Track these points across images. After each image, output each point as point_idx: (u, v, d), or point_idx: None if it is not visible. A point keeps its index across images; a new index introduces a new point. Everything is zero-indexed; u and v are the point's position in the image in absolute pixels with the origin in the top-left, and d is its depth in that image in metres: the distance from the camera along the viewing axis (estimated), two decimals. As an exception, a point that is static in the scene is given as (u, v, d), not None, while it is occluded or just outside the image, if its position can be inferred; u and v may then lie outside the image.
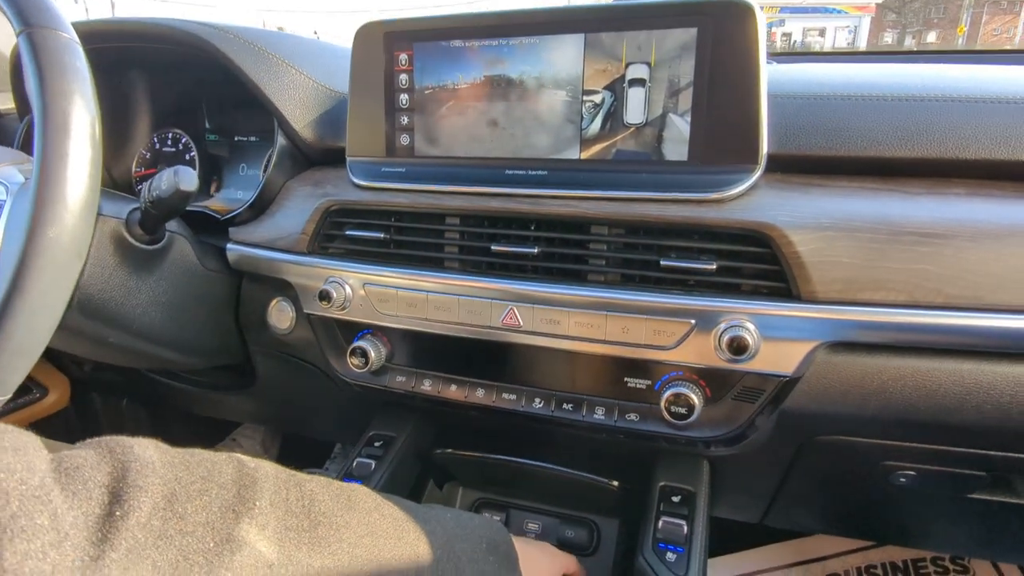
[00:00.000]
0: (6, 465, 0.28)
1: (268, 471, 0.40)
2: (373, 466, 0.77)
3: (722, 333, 0.60)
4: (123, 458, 0.33)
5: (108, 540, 0.29)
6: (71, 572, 0.27)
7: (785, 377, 0.60)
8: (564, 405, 0.68)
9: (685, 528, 0.66)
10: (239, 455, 0.41)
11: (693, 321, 0.62)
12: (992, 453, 0.61)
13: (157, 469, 0.34)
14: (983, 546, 0.85)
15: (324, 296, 0.75)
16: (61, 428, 1.30)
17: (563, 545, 0.84)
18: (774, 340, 0.60)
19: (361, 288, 0.75)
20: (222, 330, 0.89)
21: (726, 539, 1.28)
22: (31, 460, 0.29)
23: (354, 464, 0.78)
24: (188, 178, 0.65)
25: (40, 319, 0.53)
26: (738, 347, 0.59)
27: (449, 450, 0.82)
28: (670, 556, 0.63)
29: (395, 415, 0.85)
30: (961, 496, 0.69)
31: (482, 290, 0.69)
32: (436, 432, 0.87)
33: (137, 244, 0.74)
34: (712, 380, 0.63)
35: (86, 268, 0.70)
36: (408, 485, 0.83)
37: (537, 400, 0.69)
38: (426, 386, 0.74)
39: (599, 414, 0.67)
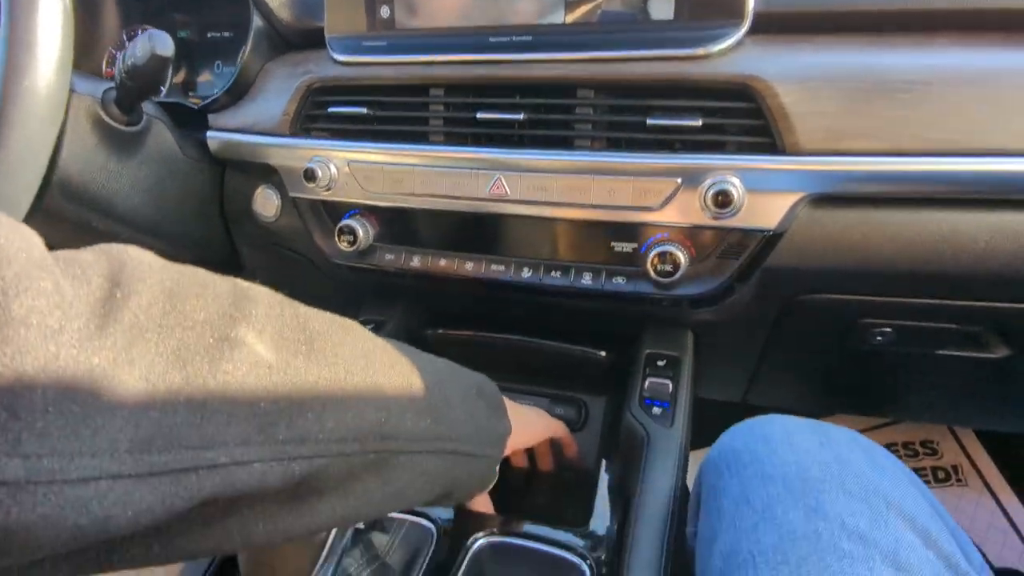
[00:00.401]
0: (5, 235, 0.27)
1: (262, 290, 0.40)
2: (366, 346, 0.78)
3: (707, 189, 0.61)
4: (120, 256, 0.33)
5: (111, 315, 0.29)
6: (78, 333, 0.27)
7: (768, 232, 0.62)
8: (552, 272, 0.69)
9: (670, 386, 0.68)
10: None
11: (679, 180, 0.62)
12: (965, 303, 0.64)
13: (155, 268, 0.34)
14: (951, 410, 0.90)
15: (309, 175, 0.74)
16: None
17: (553, 421, 0.88)
18: (758, 193, 0.61)
19: (346, 167, 0.74)
20: (207, 222, 0.88)
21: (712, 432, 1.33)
22: (29, 238, 0.29)
23: (347, 345, 0.79)
24: (163, 41, 0.63)
25: (21, 173, 0.52)
26: (723, 201, 0.60)
27: (440, 330, 0.83)
28: (656, 410, 0.66)
29: (385, 300, 0.86)
30: (933, 354, 0.72)
31: (468, 161, 0.69)
32: (427, 315, 0.88)
33: (115, 125, 0.73)
34: (697, 240, 0.64)
35: (64, 147, 0.69)
36: (401, 367, 0.84)
37: (526, 269, 0.70)
38: (415, 262, 0.74)
39: (586, 279, 0.68)
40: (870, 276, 0.63)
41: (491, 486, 0.65)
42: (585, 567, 0.60)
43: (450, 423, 0.49)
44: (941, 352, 0.71)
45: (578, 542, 0.62)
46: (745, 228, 0.62)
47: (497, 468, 0.61)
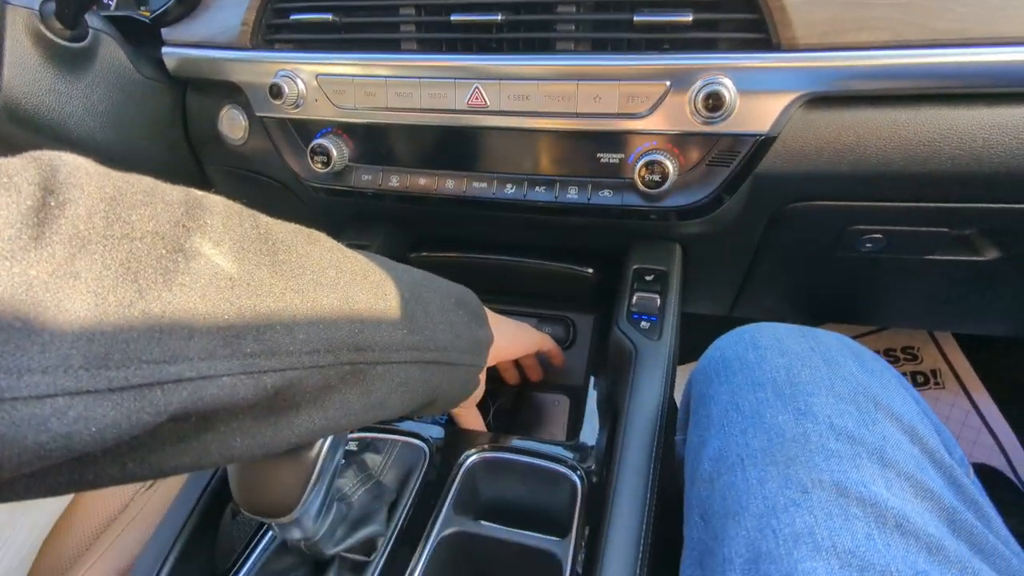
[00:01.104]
0: None
1: (217, 199, 0.37)
2: (348, 271, 0.76)
3: (697, 92, 0.58)
4: (52, 162, 0.30)
5: (46, 224, 0.27)
6: (8, 244, 0.25)
7: (760, 136, 0.59)
8: (536, 188, 0.67)
9: (658, 300, 0.67)
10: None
11: (668, 82, 0.59)
12: (958, 206, 0.62)
13: (92, 175, 0.30)
14: (938, 315, 0.91)
15: (275, 92, 0.69)
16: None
17: (542, 340, 0.88)
18: (751, 95, 0.58)
19: (314, 81, 0.70)
20: (171, 147, 0.84)
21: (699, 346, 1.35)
22: None
23: (328, 270, 0.77)
24: (98, -60, 0.56)
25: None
26: (714, 104, 0.57)
27: (424, 253, 0.81)
28: (644, 324, 0.65)
29: (366, 226, 0.84)
30: (921, 259, 0.71)
31: (444, 69, 0.65)
32: (410, 239, 0.86)
33: (58, 40, 0.67)
34: (686, 147, 0.62)
35: (4, 67, 0.64)
36: (385, 291, 0.83)
37: (509, 185, 0.67)
38: (393, 182, 0.71)
39: (572, 193, 0.66)
40: (863, 180, 0.61)
41: (477, 395, 0.65)
42: (575, 477, 0.61)
43: (428, 332, 0.48)
44: (930, 257, 0.70)
45: (568, 455, 0.62)
46: (736, 133, 0.59)
47: (482, 377, 0.61)
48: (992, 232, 0.67)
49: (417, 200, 0.72)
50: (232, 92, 0.76)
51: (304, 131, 0.74)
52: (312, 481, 0.44)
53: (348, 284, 0.41)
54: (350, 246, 0.80)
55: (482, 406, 0.79)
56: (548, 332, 0.87)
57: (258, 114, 0.74)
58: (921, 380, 1.25)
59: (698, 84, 0.58)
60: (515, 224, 0.76)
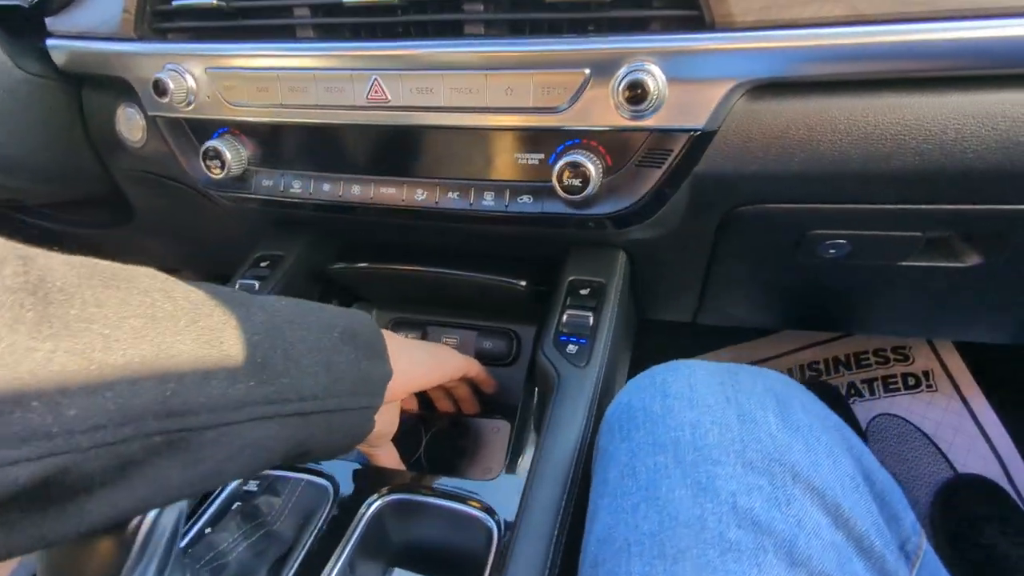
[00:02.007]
0: None
1: None
2: (257, 287, 0.69)
3: (620, 80, 0.49)
4: None
5: None
6: None
7: (696, 131, 0.51)
8: (450, 193, 0.59)
9: (591, 319, 0.60)
10: None
11: (588, 70, 0.51)
12: (930, 207, 0.54)
13: None
14: (921, 324, 0.82)
15: (159, 88, 0.62)
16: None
17: (482, 356, 0.80)
18: (683, 83, 0.49)
19: (204, 75, 0.62)
20: (72, 151, 0.76)
21: (672, 350, 1.27)
22: None
23: (236, 286, 0.70)
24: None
25: None
26: (638, 95, 0.49)
27: (342, 264, 0.74)
28: (571, 348, 0.57)
29: (285, 234, 0.76)
30: (894, 265, 0.63)
31: (341, 59, 0.57)
32: (335, 249, 0.78)
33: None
34: (613, 145, 0.53)
35: None
36: (306, 306, 0.75)
37: (419, 191, 0.59)
38: (295, 188, 0.63)
39: (488, 199, 0.58)
40: (819, 180, 0.53)
41: (389, 431, 0.58)
42: (491, 523, 0.54)
43: (289, 380, 0.41)
44: (905, 264, 0.62)
45: (486, 497, 0.55)
46: (666, 128, 0.51)
47: (388, 415, 0.54)
48: (971, 236, 0.58)
49: (325, 208, 0.64)
50: (127, 89, 0.69)
51: (201, 131, 0.66)
52: (131, 561, 0.37)
53: (163, 335, 0.34)
54: (264, 258, 0.74)
55: (413, 437, 0.72)
56: (488, 347, 0.80)
57: (150, 113, 0.67)
58: (912, 383, 1.17)
59: (621, 72, 0.50)
60: (448, 231, 0.68)
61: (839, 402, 1.13)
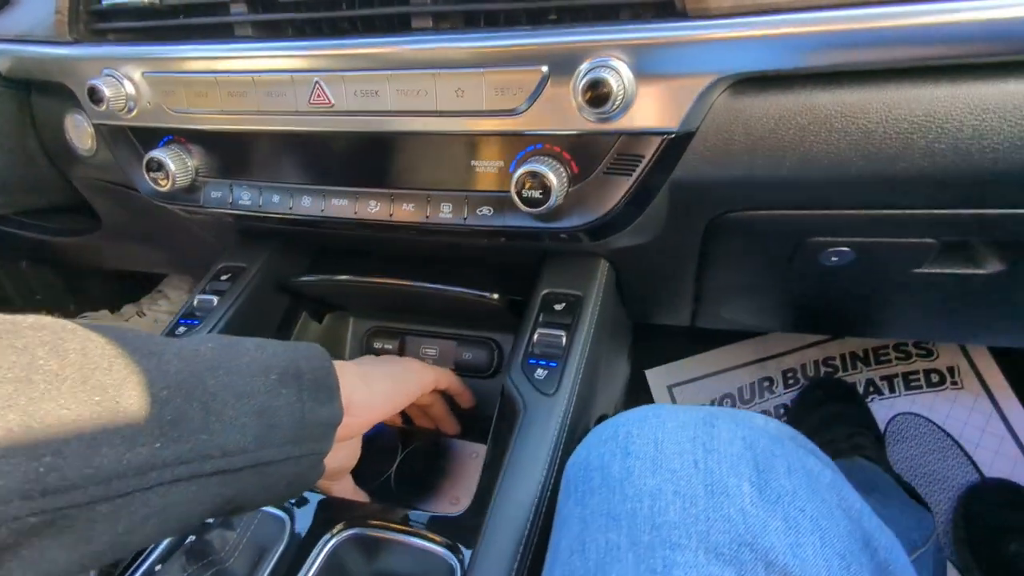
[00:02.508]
0: None
1: None
2: (215, 302, 0.65)
3: (581, 79, 0.43)
4: None
5: None
6: None
7: (670, 133, 0.45)
8: (404, 204, 0.53)
9: (564, 339, 0.54)
10: None
11: (545, 68, 0.45)
12: (944, 212, 0.47)
13: None
14: (943, 329, 0.75)
15: (95, 96, 0.57)
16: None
17: (462, 368, 0.75)
18: (654, 80, 0.43)
19: (143, 80, 0.57)
20: (27, 159, 0.73)
21: (679, 345, 1.21)
22: None
23: (195, 302, 0.66)
24: None
25: None
26: (600, 96, 0.43)
27: (308, 277, 0.69)
28: (539, 372, 0.52)
29: (250, 242, 0.72)
30: (906, 272, 0.56)
31: (281, 60, 0.51)
32: (302, 258, 0.74)
33: None
34: (579, 150, 0.47)
35: None
36: (272, 320, 0.71)
37: (372, 203, 0.54)
38: (244, 200, 0.59)
39: (446, 211, 0.52)
40: (815, 184, 0.46)
41: (349, 464, 0.54)
42: (455, 562, 0.50)
43: (209, 436, 0.37)
44: (918, 271, 0.55)
45: (452, 533, 0.51)
46: (635, 131, 0.45)
47: (324, 462, 0.49)
48: (992, 242, 0.51)
49: (277, 221, 0.60)
50: (72, 95, 0.64)
51: (147, 140, 0.61)
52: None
53: (38, 400, 0.30)
54: (227, 270, 0.70)
55: (388, 453, 0.68)
56: (469, 357, 0.76)
57: (94, 122, 0.63)
58: (936, 379, 1.09)
59: (582, 69, 0.44)
60: (411, 242, 0.63)
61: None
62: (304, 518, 0.55)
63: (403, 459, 0.67)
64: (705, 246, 0.58)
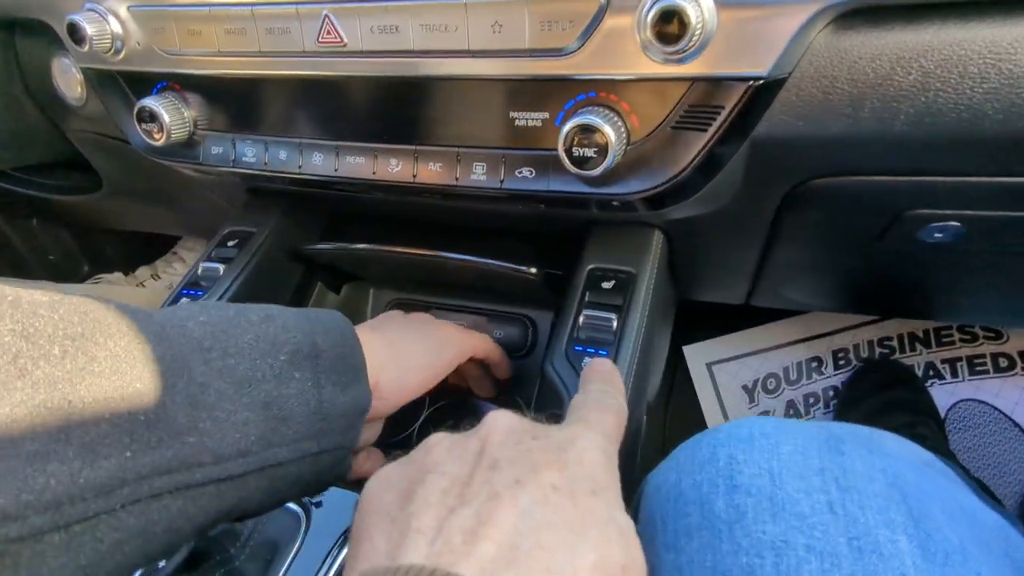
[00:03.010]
0: None
1: None
2: (222, 270, 0.59)
3: (649, 8, 0.35)
4: None
5: None
6: None
7: (758, 80, 0.36)
8: (430, 165, 0.46)
9: (615, 322, 0.47)
10: None
11: (604, -5, 0.36)
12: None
13: None
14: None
15: (76, 34, 0.50)
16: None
17: (492, 348, 0.69)
18: (740, 11, 0.34)
19: (129, 16, 0.50)
20: (15, 108, 0.66)
21: (719, 319, 1.13)
22: None
23: (199, 270, 0.59)
24: None
25: None
26: (671, 31, 0.34)
27: (322, 245, 0.62)
28: (587, 361, 0.45)
29: (259, 206, 0.65)
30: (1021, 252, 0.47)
31: (283, -10, 0.43)
32: (316, 223, 0.67)
33: None
34: (641, 101, 0.39)
35: None
36: (284, 291, 0.65)
37: (393, 162, 0.47)
38: (248, 157, 0.52)
39: (479, 172, 0.45)
40: (934, 144, 0.37)
41: (372, 437, 0.48)
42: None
43: (197, 439, 0.30)
44: (1035, 251, 0.46)
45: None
46: (715, 76, 0.36)
47: (349, 458, 0.43)
48: None
49: (286, 181, 0.52)
50: (58, 36, 0.57)
51: (138, 87, 0.54)
52: None
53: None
54: (234, 235, 0.63)
55: (412, 414, 0.62)
56: (500, 335, 0.69)
57: (80, 65, 0.55)
58: (1004, 365, 1.00)
59: (651, -5, 0.35)
60: (437, 208, 0.55)
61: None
62: (320, 513, 0.50)
63: (428, 416, 0.61)
64: (779, 218, 0.49)
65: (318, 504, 0.51)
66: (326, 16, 0.42)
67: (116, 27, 0.50)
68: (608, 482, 0.26)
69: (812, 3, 0.34)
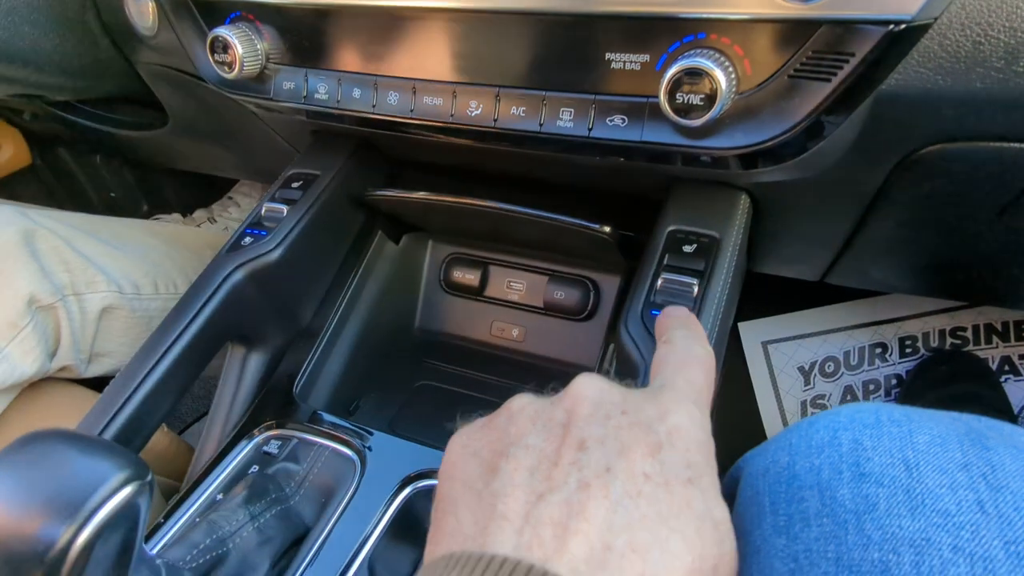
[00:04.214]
0: None
1: None
2: (286, 211, 0.58)
3: (783, -64, 0.31)
4: None
5: None
6: None
7: (900, 23, 0.32)
8: (513, 107, 0.43)
9: (696, 288, 0.44)
10: None
11: (730, -80, 0.32)
12: None
13: None
14: None
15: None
16: (38, 189, 1.19)
17: (550, 307, 0.66)
18: (890, -59, 0.30)
19: (207, -62, 0.48)
20: (87, 39, 0.65)
21: (775, 296, 1.08)
22: None
23: (262, 210, 0.59)
24: None
25: None
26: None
27: (384, 192, 0.61)
28: (659, 313, 0.43)
29: (325, 149, 0.63)
30: None
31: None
32: (382, 167, 0.65)
33: None
34: (758, 45, 0.35)
35: None
36: (345, 236, 0.64)
37: (473, 103, 0.44)
38: (320, 94, 0.50)
39: (566, 118, 0.42)
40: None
41: None
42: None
43: None
44: None
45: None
46: (848, 19, 0.32)
47: None
48: None
49: (358, 121, 0.50)
50: (133, -40, 0.56)
51: (211, 15, 0.52)
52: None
53: None
54: (298, 177, 0.62)
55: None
56: (560, 296, 0.66)
57: (154, -9, 0.54)
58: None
59: (787, -79, 0.31)
60: (513, 156, 0.53)
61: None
62: (377, 461, 0.50)
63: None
64: (884, 188, 0.45)
65: (370, 448, 0.50)
66: (415, -60, 0.40)
67: (192, -51, 0.48)
68: (704, 465, 0.24)
69: (977, -66, 0.30)
